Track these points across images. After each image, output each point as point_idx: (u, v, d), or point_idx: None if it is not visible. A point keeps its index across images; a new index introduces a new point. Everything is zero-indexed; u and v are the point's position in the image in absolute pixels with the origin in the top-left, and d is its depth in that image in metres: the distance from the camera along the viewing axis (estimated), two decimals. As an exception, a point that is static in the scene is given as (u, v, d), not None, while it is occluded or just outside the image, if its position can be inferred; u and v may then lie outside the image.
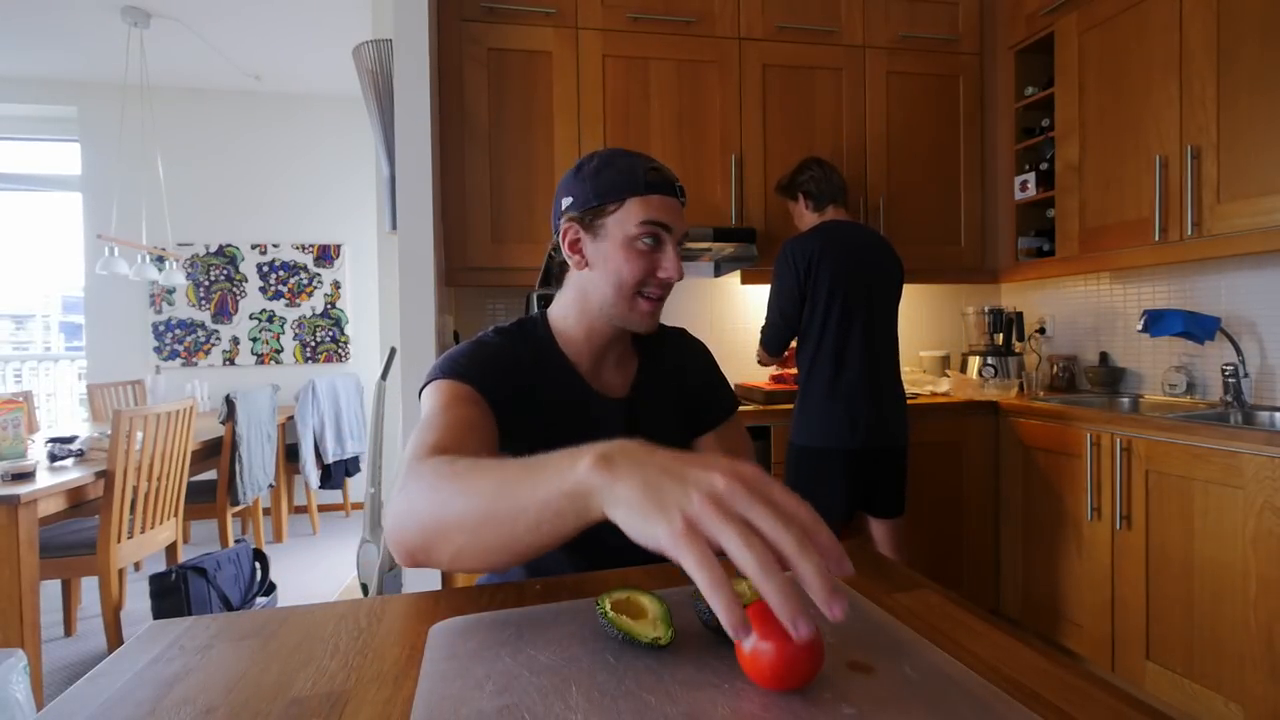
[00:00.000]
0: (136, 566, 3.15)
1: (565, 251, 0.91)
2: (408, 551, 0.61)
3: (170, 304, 3.99)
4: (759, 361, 2.08)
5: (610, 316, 0.90)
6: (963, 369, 2.69)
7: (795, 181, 2.04)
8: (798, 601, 0.39)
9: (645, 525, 0.43)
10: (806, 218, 2.03)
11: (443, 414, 0.74)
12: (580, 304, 0.92)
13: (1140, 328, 2.05)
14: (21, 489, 1.84)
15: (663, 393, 0.99)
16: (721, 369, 1.09)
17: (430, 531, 0.58)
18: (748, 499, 0.42)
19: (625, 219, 0.86)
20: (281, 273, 4.13)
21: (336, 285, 4.19)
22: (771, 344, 1.98)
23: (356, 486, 4.11)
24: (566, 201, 0.90)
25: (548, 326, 0.95)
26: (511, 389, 0.84)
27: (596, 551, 0.90)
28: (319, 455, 3.58)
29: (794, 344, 1.98)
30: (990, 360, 2.55)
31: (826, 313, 1.87)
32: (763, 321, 2.00)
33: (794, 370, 2.05)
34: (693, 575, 0.40)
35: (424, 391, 0.81)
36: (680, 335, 1.08)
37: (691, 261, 2.58)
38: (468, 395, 0.79)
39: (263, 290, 4.11)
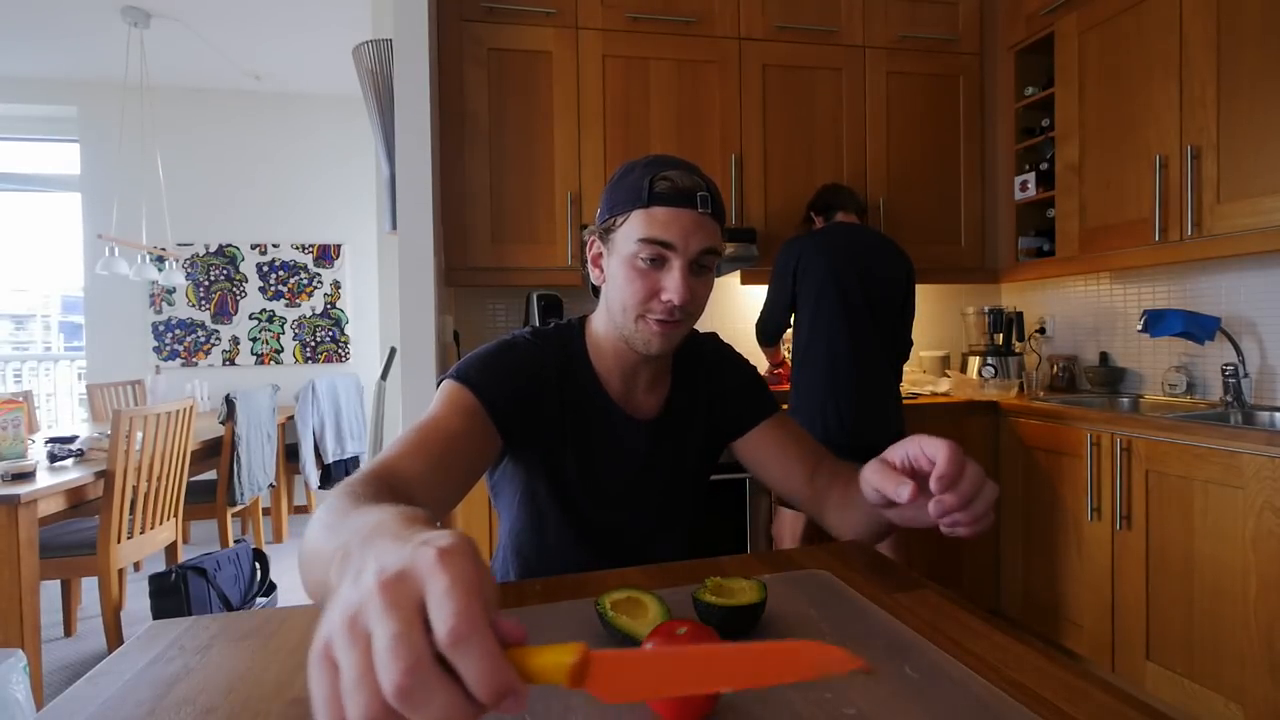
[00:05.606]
0: (136, 566, 3.15)
1: (589, 265, 0.88)
2: (299, 569, 0.53)
3: (170, 304, 3.98)
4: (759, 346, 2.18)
5: (625, 335, 0.85)
6: (963, 369, 2.69)
7: (809, 206, 2.13)
8: None
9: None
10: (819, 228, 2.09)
11: (423, 426, 0.73)
12: (608, 319, 0.87)
13: (1140, 328, 2.05)
14: (21, 489, 1.84)
15: (695, 415, 0.95)
16: None
17: (303, 559, 0.51)
18: (380, 614, 0.29)
19: (629, 234, 0.81)
20: (281, 273, 4.13)
21: (336, 285, 4.19)
22: (760, 335, 2.11)
23: (356, 486, 4.11)
24: (598, 213, 0.87)
25: (584, 337, 0.92)
26: (523, 397, 0.83)
27: (612, 546, 0.90)
28: (319, 455, 3.58)
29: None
30: (990, 360, 2.55)
31: (815, 309, 1.90)
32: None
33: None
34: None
35: (439, 385, 0.82)
36: (715, 348, 1.02)
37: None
38: (466, 405, 0.78)
39: (263, 290, 4.10)
